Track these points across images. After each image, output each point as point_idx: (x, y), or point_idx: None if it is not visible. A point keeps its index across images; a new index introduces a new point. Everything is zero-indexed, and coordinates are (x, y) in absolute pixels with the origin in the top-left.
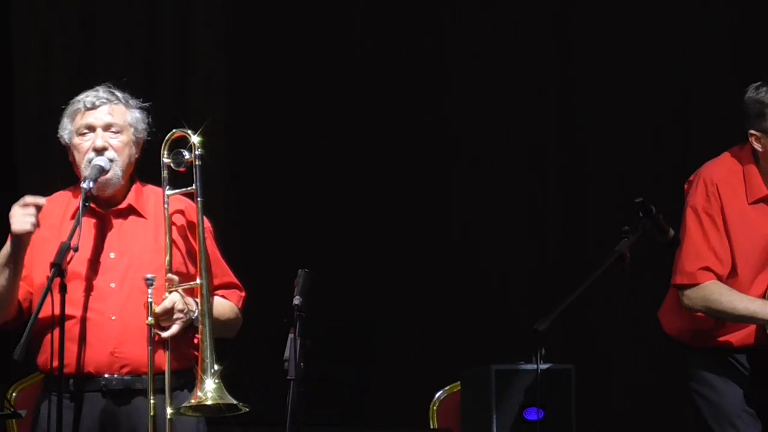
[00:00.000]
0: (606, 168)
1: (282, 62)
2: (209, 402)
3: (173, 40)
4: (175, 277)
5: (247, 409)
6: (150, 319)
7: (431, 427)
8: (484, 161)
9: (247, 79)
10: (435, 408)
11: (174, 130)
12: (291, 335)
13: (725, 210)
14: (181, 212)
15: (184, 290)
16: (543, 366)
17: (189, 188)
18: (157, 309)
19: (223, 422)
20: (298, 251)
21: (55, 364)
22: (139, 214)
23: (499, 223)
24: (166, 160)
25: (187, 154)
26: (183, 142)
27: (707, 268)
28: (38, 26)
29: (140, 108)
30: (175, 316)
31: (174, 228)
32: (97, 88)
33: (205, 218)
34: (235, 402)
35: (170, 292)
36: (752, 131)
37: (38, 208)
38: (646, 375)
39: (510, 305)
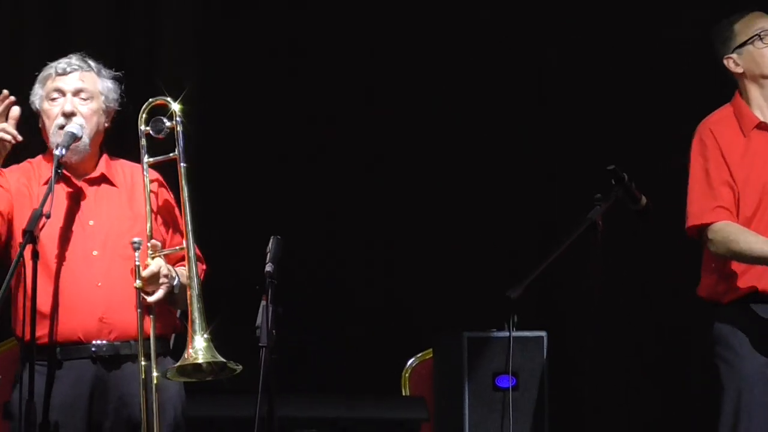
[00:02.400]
0: (578, 135)
1: (253, 30)
2: (200, 360)
3: (144, 10)
4: (159, 243)
5: (240, 368)
6: (138, 282)
7: (403, 394)
8: (456, 128)
9: (217, 50)
10: (407, 375)
11: (152, 98)
12: (263, 302)
13: (723, 147)
14: (154, 182)
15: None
16: (515, 333)
17: (170, 155)
18: (144, 273)
19: (197, 389)
20: (271, 218)
21: (39, 332)
22: (112, 183)
23: (471, 191)
24: (144, 128)
25: (167, 122)
26: (160, 111)
27: (717, 206)
28: None
29: (113, 78)
30: (160, 281)
31: (151, 196)
32: (71, 55)
33: (168, 189)
34: (224, 361)
35: (153, 258)
36: (727, 56)
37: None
38: (618, 342)
39: (482, 272)
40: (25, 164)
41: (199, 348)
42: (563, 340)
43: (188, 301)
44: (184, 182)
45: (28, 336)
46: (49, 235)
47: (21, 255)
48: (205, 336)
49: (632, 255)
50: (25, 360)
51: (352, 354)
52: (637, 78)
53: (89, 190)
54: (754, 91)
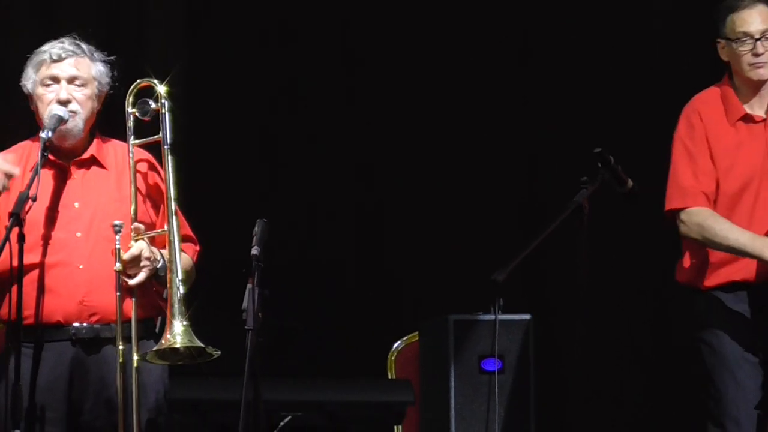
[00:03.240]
0: (566, 118)
1: (239, 14)
2: (178, 345)
3: None
4: (142, 226)
5: (218, 353)
6: (118, 265)
7: (389, 377)
8: (445, 118)
9: (205, 31)
10: (393, 358)
11: (140, 80)
12: (249, 285)
13: (708, 131)
14: (144, 162)
15: (148, 239)
16: (501, 316)
17: (155, 137)
18: (125, 256)
19: (183, 372)
20: (259, 201)
21: (24, 313)
22: (101, 165)
23: (457, 178)
24: (131, 109)
25: (153, 104)
26: (147, 92)
27: (697, 191)
28: None
29: (104, 61)
30: (141, 264)
31: (138, 177)
32: (63, 39)
33: (160, 171)
34: (203, 345)
35: (136, 241)
36: (718, 40)
37: (8, 176)
38: (605, 326)
39: (468, 255)
40: (16, 148)
41: (177, 332)
42: (549, 323)
43: (169, 285)
44: (167, 164)
45: (14, 317)
46: (35, 217)
47: (7, 237)
48: (184, 322)
49: (619, 238)
50: (10, 342)
51: (338, 337)
52: (623, 60)
53: (77, 173)
54: (739, 81)
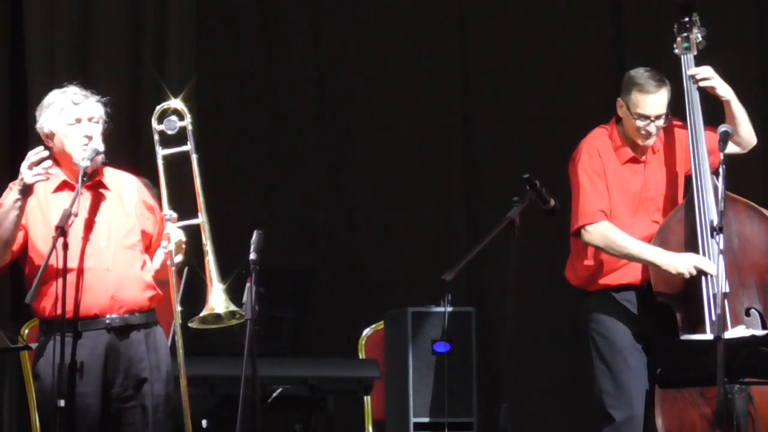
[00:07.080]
0: (501, 148)
1: (242, 44)
2: (219, 310)
3: (153, 27)
4: (175, 214)
5: (244, 315)
6: (171, 245)
7: (360, 357)
8: (404, 140)
9: (212, 58)
10: (363, 342)
11: (165, 103)
12: (248, 284)
13: (605, 165)
14: (133, 184)
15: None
16: (449, 309)
17: (183, 147)
18: (173, 241)
19: (195, 353)
20: (255, 216)
21: (59, 309)
22: (106, 187)
23: (416, 198)
24: (159, 126)
25: (179, 122)
26: (167, 113)
27: (601, 211)
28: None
29: (103, 102)
30: (183, 247)
31: (134, 196)
32: (71, 86)
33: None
34: (237, 309)
35: (174, 227)
36: (618, 98)
37: (42, 160)
38: (531, 316)
39: (423, 260)
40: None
41: (217, 300)
42: (487, 314)
43: (207, 264)
44: (195, 170)
45: (58, 312)
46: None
47: (55, 245)
48: (222, 287)
49: (543, 246)
50: (47, 333)
51: (320, 325)
52: (549, 101)
53: (92, 194)
54: (628, 132)
